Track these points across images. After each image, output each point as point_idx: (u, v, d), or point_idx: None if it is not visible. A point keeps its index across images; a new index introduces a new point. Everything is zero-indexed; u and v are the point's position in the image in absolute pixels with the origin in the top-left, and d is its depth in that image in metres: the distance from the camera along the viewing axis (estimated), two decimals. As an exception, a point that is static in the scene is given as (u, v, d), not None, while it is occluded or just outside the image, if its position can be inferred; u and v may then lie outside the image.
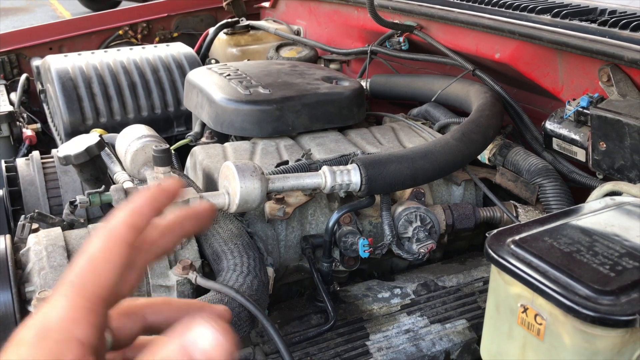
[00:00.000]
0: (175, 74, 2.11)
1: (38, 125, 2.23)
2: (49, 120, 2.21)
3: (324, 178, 1.19)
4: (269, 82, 1.64)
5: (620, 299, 0.67)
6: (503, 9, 1.55)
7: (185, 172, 1.53)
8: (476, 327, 1.22)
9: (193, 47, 2.38)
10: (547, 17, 1.43)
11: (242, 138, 1.57)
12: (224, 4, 2.78)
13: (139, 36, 2.82)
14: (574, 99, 1.30)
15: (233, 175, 1.12)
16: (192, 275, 1.07)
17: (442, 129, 1.63)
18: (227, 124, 1.53)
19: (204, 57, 2.50)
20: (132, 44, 2.74)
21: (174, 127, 2.08)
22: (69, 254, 1.08)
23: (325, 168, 1.20)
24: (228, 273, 1.06)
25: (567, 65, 1.40)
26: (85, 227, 1.23)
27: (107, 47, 2.72)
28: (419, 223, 1.27)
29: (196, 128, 1.77)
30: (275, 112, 1.52)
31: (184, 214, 0.45)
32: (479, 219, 1.37)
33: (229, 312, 0.48)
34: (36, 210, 1.23)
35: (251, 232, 1.22)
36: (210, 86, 1.62)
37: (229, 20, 2.60)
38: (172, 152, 1.46)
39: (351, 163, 1.22)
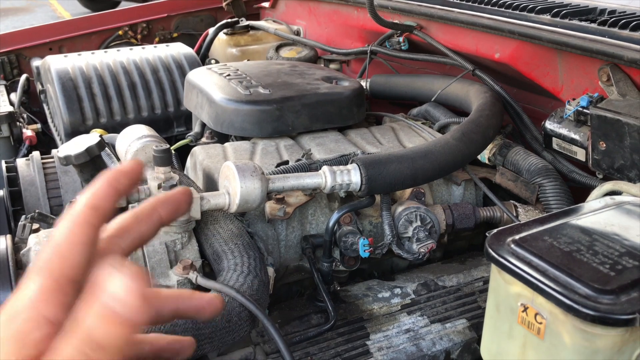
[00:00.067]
0: (175, 74, 2.11)
1: (38, 126, 2.23)
2: (49, 120, 2.21)
3: (324, 178, 1.19)
4: (269, 82, 1.64)
5: (620, 298, 0.67)
6: (503, 9, 1.55)
7: (185, 172, 1.53)
8: (476, 326, 1.22)
9: (193, 48, 2.38)
10: (546, 17, 1.43)
11: (242, 138, 1.58)
12: (224, 4, 2.79)
13: (139, 36, 2.82)
14: (573, 99, 1.30)
15: (233, 175, 1.12)
16: (193, 275, 1.07)
17: (442, 129, 1.63)
18: (227, 124, 1.53)
19: (203, 58, 2.50)
20: (132, 44, 2.74)
21: (174, 127, 2.08)
22: (70, 254, 1.08)
23: (325, 168, 1.20)
24: (228, 273, 1.06)
25: (566, 65, 1.40)
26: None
27: (107, 47, 2.72)
28: (419, 223, 1.27)
29: (196, 128, 1.78)
30: (275, 112, 1.52)
31: (159, 200, 0.46)
32: (479, 218, 1.37)
33: (220, 298, 0.48)
34: (37, 211, 1.23)
35: (251, 232, 1.22)
36: (210, 86, 1.62)
37: (229, 20, 2.60)
38: (173, 152, 1.46)
39: (351, 163, 1.22)
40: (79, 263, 0.39)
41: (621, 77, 1.25)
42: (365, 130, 1.63)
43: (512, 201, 1.40)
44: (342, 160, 1.33)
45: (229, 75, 1.69)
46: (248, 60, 2.37)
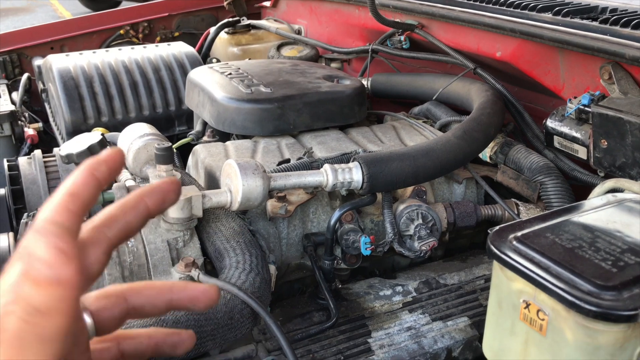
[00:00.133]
0: (177, 73, 2.11)
1: (40, 125, 2.23)
2: (51, 119, 2.21)
3: (325, 176, 1.19)
4: (271, 80, 1.64)
5: (622, 294, 0.68)
6: (504, 8, 1.55)
7: (186, 171, 1.53)
8: (478, 324, 1.22)
9: (194, 47, 2.38)
10: (548, 16, 1.43)
11: (244, 137, 1.58)
12: (225, 3, 2.79)
13: (140, 36, 2.83)
14: (575, 97, 1.30)
15: (235, 173, 1.13)
16: (195, 273, 1.07)
17: (443, 128, 1.63)
18: (229, 122, 1.53)
19: (205, 57, 2.50)
20: (133, 43, 2.74)
21: (175, 126, 2.08)
22: (72, 251, 1.08)
23: (326, 166, 1.20)
24: (230, 270, 1.06)
25: (568, 63, 1.40)
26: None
27: (108, 46, 2.72)
28: (420, 221, 1.27)
29: (198, 127, 1.78)
30: (277, 110, 1.52)
31: (145, 190, 0.45)
32: (480, 216, 1.37)
33: (215, 288, 0.48)
34: (39, 209, 1.23)
35: (253, 230, 1.22)
36: (212, 85, 1.62)
37: (230, 19, 2.60)
38: (174, 150, 1.46)
39: (353, 161, 1.22)
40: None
41: (623, 75, 1.25)
42: (366, 128, 1.63)
43: (513, 199, 1.40)
44: (344, 158, 1.33)
45: (230, 74, 1.69)
46: (249, 59, 2.37)
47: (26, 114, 2.29)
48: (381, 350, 1.15)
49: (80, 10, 8.34)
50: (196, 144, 1.58)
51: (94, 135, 1.40)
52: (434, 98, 1.75)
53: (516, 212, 1.36)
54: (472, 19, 1.59)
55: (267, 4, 2.85)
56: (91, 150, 1.36)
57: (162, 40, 2.84)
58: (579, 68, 1.38)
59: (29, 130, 2.13)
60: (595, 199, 0.95)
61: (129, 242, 1.10)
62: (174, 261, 1.11)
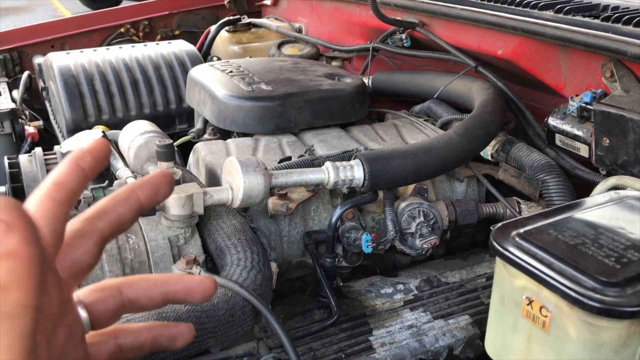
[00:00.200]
0: (177, 71, 2.11)
1: (40, 123, 2.23)
2: (51, 117, 2.21)
3: (327, 174, 1.19)
4: (271, 78, 1.64)
5: (625, 291, 0.67)
6: (505, 5, 1.55)
7: (187, 169, 1.53)
8: (479, 322, 1.22)
9: (195, 45, 2.38)
10: (549, 13, 1.43)
11: (245, 134, 1.57)
12: (226, 2, 2.79)
13: (141, 34, 2.82)
14: (576, 95, 1.30)
15: (236, 170, 1.12)
16: (196, 270, 1.07)
17: (444, 126, 1.63)
18: (230, 120, 1.53)
19: (205, 55, 2.50)
20: (133, 41, 2.74)
21: (176, 124, 2.08)
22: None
23: (328, 164, 1.20)
24: (232, 268, 1.06)
25: (569, 61, 1.40)
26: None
27: (108, 45, 2.72)
28: (422, 219, 1.27)
29: (198, 125, 1.78)
30: (278, 108, 1.52)
31: (137, 183, 0.45)
32: (481, 215, 1.37)
33: (211, 279, 0.47)
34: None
35: (254, 228, 1.22)
36: (213, 83, 1.62)
37: (231, 18, 2.60)
38: (175, 148, 1.46)
39: (354, 158, 1.22)
40: (43, 237, 0.39)
41: (625, 73, 1.24)
42: (367, 127, 1.63)
43: (515, 198, 1.40)
44: (345, 156, 1.33)
45: (231, 71, 1.69)
46: (250, 57, 2.37)
47: (27, 112, 2.29)
48: (382, 348, 1.15)
49: (80, 9, 8.34)
50: (197, 142, 1.57)
51: (95, 133, 1.40)
52: (435, 96, 1.75)
53: (518, 210, 1.36)
54: (473, 17, 1.59)
55: (268, 2, 2.85)
56: (92, 148, 1.35)
57: (162, 39, 2.83)
58: (580, 66, 1.37)
59: (30, 128, 2.12)
60: (597, 196, 0.95)
61: (130, 240, 1.10)
62: (175, 258, 1.11)
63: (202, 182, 1.30)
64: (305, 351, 1.12)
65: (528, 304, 0.75)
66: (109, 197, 0.44)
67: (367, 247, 1.21)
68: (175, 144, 1.60)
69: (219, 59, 2.36)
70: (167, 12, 2.88)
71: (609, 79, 1.26)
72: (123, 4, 6.49)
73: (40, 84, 2.31)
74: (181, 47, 2.23)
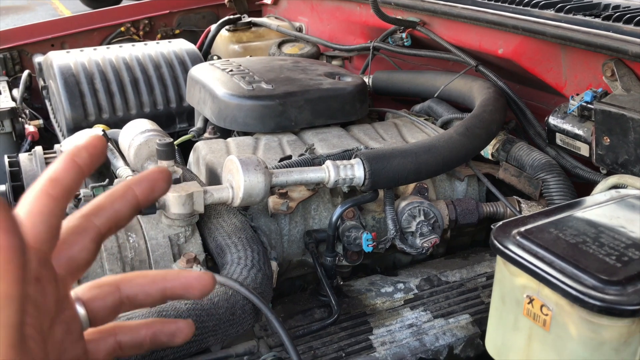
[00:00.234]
0: (178, 70, 2.11)
1: (40, 122, 2.23)
2: (51, 116, 2.21)
3: (327, 172, 1.19)
4: (272, 77, 1.64)
5: (626, 289, 0.67)
6: (506, 4, 1.55)
7: (188, 167, 1.53)
8: (479, 322, 1.22)
9: (195, 44, 2.38)
10: (550, 12, 1.43)
11: (245, 133, 1.57)
12: (226, 1, 2.79)
13: (141, 33, 2.82)
14: (577, 94, 1.30)
15: (237, 168, 1.12)
16: (196, 269, 1.07)
17: (444, 125, 1.63)
18: (230, 119, 1.53)
19: (206, 54, 2.50)
20: (134, 40, 2.74)
21: (176, 123, 2.08)
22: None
23: (328, 162, 1.20)
24: (232, 266, 1.06)
25: (570, 60, 1.40)
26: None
27: (109, 43, 2.72)
28: (422, 218, 1.27)
29: (199, 124, 1.77)
30: (278, 107, 1.52)
31: (133, 179, 0.45)
32: (482, 214, 1.37)
33: (209, 275, 0.47)
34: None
35: (255, 226, 1.21)
36: (213, 82, 1.62)
37: (231, 17, 2.60)
38: (176, 146, 1.46)
39: (355, 157, 1.22)
40: (39, 233, 0.39)
41: (625, 72, 1.24)
42: (368, 126, 1.63)
43: (515, 197, 1.40)
44: (346, 155, 1.33)
45: (231, 70, 1.69)
46: (250, 56, 2.37)
47: (27, 111, 2.29)
48: (382, 347, 1.14)
49: (80, 9, 8.33)
50: (197, 141, 1.57)
51: (95, 131, 1.40)
52: (435, 95, 1.75)
53: (518, 209, 1.36)
54: (474, 16, 1.59)
55: (268, 1, 2.85)
56: (92, 146, 1.35)
57: (162, 38, 2.83)
58: (581, 65, 1.37)
59: (30, 127, 2.12)
60: (598, 194, 0.95)
61: (130, 238, 1.10)
62: (175, 257, 1.11)
63: (202, 181, 1.30)
64: (306, 350, 1.12)
65: (529, 303, 0.75)
66: (106, 194, 0.44)
67: (368, 246, 1.20)
68: (175, 142, 1.60)
69: (219, 58, 2.36)
70: (168, 11, 2.88)
71: (609, 78, 1.26)
72: (123, 3, 6.49)
73: (41, 82, 2.31)
74: (181, 46, 2.23)
